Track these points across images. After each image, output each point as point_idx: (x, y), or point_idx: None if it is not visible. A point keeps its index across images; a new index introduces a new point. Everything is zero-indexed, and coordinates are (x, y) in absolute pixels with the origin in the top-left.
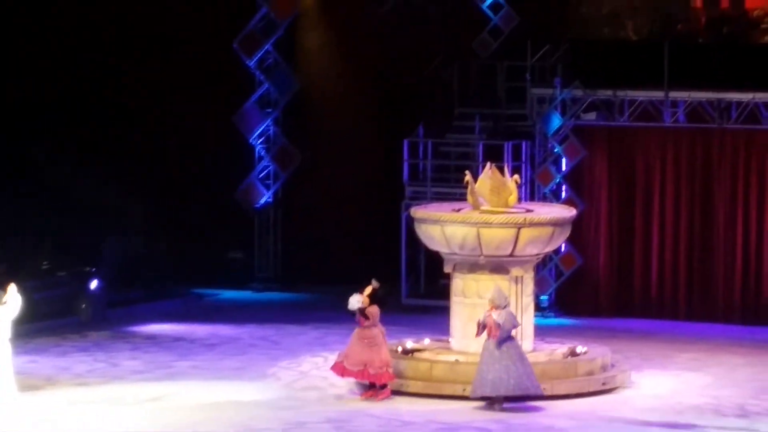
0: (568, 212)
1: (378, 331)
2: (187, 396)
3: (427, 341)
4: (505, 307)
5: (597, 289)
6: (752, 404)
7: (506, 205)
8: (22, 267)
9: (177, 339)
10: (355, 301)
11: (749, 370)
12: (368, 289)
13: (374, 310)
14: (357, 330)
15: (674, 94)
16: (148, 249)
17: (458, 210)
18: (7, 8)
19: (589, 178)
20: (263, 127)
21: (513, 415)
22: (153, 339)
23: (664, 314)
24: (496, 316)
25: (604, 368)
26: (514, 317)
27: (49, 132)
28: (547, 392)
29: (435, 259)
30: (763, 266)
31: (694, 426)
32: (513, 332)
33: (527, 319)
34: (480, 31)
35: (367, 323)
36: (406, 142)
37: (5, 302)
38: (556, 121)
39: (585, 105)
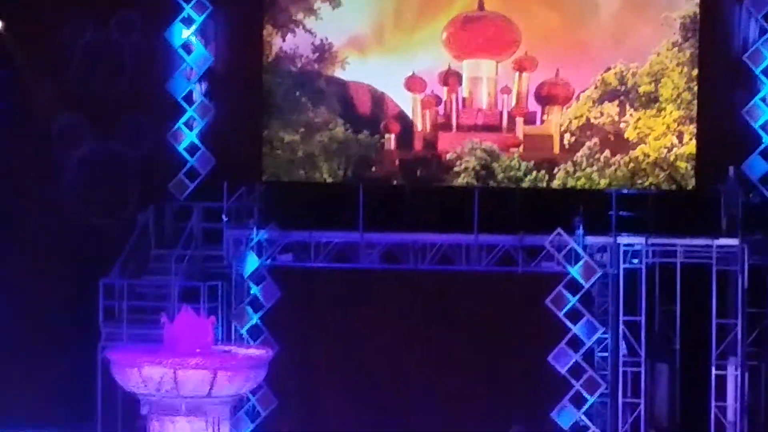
0: (264, 353)
1: None
2: None
3: None
4: None
5: (293, 430)
6: None
7: (203, 347)
8: None
9: None
10: None
11: None
12: None
13: None
14: None
15: (369, 236)
16: None
17: (155, 351)
18: None
19: (285, 319)
20: None
21: None
22: None
23: None
24: None
25: None
26: None
27: None
28: None
29: (133, 400)
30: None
31: None
32: None
33: None
34: (176, 172)
35: None
36: (101, 283)
37: None
38: (253, 263)
39: (281, 246)
